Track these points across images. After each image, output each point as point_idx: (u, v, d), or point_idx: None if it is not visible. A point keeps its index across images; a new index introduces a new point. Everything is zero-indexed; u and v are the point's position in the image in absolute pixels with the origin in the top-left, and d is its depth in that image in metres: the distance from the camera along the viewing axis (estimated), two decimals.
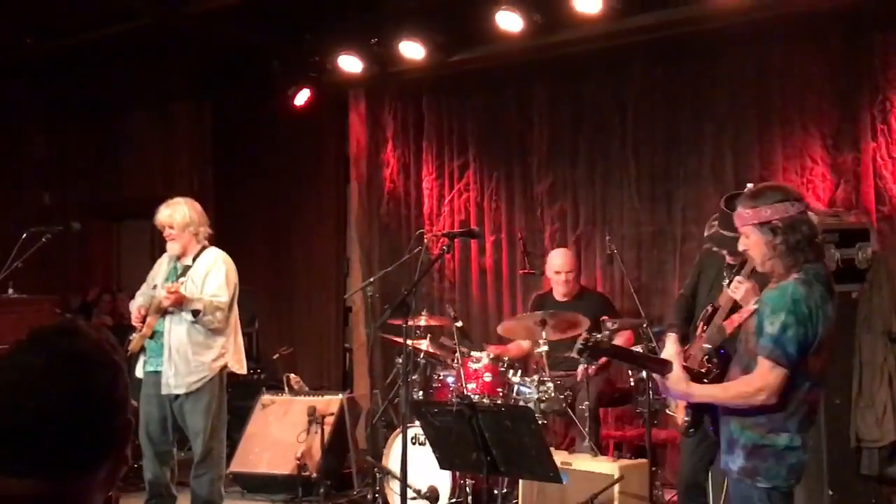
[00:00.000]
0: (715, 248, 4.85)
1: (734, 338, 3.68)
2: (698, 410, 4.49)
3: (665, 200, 7.31)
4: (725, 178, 6.88)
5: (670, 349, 4.62)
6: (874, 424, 5.58)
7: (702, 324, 4.59)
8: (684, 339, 4.88)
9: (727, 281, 4.58)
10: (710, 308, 4.57)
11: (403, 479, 4.56)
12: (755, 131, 6.88)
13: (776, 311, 3.35)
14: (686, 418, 4.49)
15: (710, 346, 3.62)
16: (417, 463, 5.58)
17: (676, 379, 3.60)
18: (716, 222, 4.73)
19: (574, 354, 3.52)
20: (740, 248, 3.58)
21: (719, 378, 3.64)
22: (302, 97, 8.30)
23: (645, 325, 5.53)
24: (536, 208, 7.86)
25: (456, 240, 7.14)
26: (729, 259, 4.75)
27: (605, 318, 6.10)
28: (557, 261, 6.77)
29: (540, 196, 7.85)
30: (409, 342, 5.07)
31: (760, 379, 3.38)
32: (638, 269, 7.29)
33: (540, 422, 5.00)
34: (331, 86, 8.28)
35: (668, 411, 5.00)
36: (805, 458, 3.49)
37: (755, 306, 3.51)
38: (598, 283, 7.48)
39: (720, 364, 3.70)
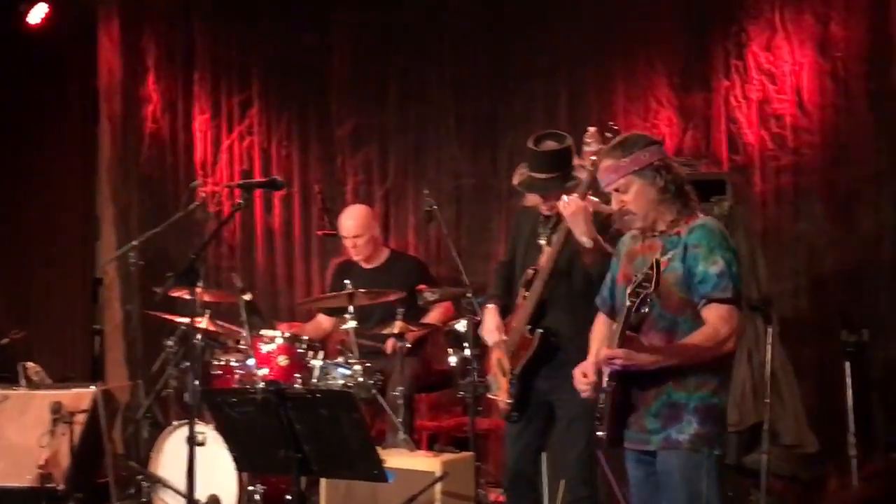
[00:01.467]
0: (528, 204, 4.97)
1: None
2: (525, 392, 4.82)
3: (489, 148, 7.34)
4: (559, 123, 6.90)
5: (490, 323, 4.95)
6: (731, 406, 5.61)
7: (523, 290, 4.82)
8: (505, 311, 5.00)
9: (544, 239, 4.81)
10: (529, 272, 4.76)
11: (190, 488, 4.43)
12: (593, 67, 7.00)
13: (714, 248, 3.57)
14: (508, 401, 4.86)
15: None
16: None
17: (639, 348, 3.61)
18: (525, 168, 4.84)
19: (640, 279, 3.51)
20: (615, 206, 3.71)
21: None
22: (37, 14, 8.01)
23: (468, 295, 5.51)
24: (336, 156, 7.80)
25: (237, 192, 6.99)
26: (543, 209, 4.85)
27: (422, 287, 6.10)
28: (345, 223, 6.73)
29: (341, 142, 7.78)
30: (185, 319, 4.82)
31: (726, 324, 3.55)
32: (458, 230, 7.30)
33: None
34: (75, 1, 8.02)
35: (488, 395, 5.11)
36: None
37: (664, 258, 3.59)
38: (410, 247, 7.48)
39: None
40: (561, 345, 4.75)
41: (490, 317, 4.98)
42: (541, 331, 4.73)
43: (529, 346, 4.75)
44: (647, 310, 3.50)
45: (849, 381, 5.73)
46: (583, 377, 3.81)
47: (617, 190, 3.69)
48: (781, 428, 5.76)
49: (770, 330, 5.59)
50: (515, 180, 4.90)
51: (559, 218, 4.67)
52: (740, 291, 3.58)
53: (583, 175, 4.67)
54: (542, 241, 4.82)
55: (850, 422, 5.69)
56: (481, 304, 5.18)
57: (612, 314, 3.96)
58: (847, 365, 5.74)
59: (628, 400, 3.71)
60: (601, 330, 4.02)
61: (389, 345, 6.19)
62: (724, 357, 3.62)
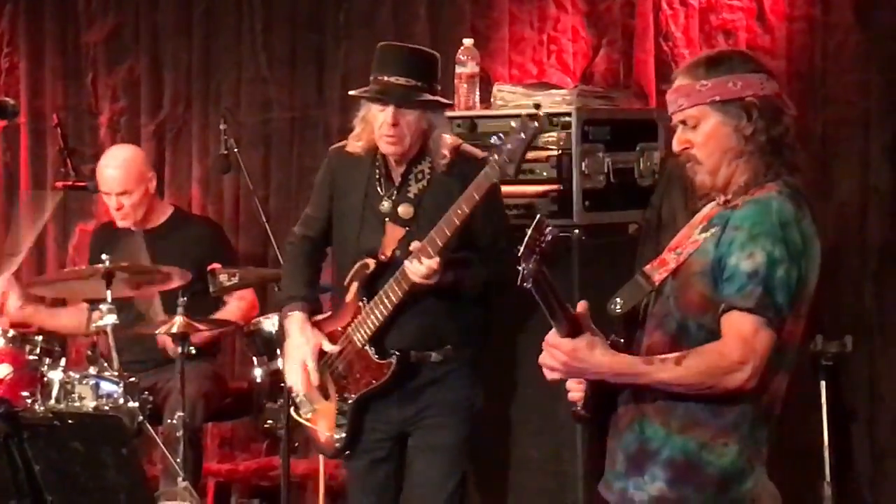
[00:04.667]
0: (350, 149, 5.01)
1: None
2: (359, 418, 4.92)
3: (314, 66, 7.31)
4: (415, 32, 6.90)
5: (297, 337, 5.02)
6: None
7: (356, 285, 4.91)
8: (315, 313, 5.13)
9: (387, 202, 4.94)
10: (369, 262, 4.87)
11: None
12: None
13: (757, 237, 3.40)
14: (339, 434, 4.96)
15: (618, 306, 3.56)
16: None
17: (593, 345, 3.43)
18: (373, 76, 4.95)
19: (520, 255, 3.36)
20: (675, 147, 3.58)
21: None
22: None
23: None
24: (86, 72, 7.79)
25: None
26: (388, 144, 4.84)
27: (215, 266, 6.08)
28: (105, 172, 6.70)
29: (92, 51, 7.78)
30: None
31: (742, 345, 3.34)
32: (267, 184, 7.32)
33: None
34: None
35: (298, 417, 5.18)
36: (756, 490, 3.58)
37: (702, 235, 3.51)
38: (195, 207, 7.49)
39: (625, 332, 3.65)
40: (422, 361, 4.90)
41: (297, 329, 5.02)
42: (397, 353, 4.83)
43: (378, 373, 4.85)
44: (528, 284, 3.34)
45: (824, 406, 5.76)
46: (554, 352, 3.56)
47: (684, 122, 3.53)
48: None
49: None
50: (356, 91, 4.99)
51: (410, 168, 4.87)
52: (778, 305, 3.37)
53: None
54: (386, 205, 4.88)
55: (826, 464, 5.74)
56: (280, 305, 5.23)
57: None
58: (822, 385, 5.77)
59: (603, 423, 3.64)
60: None
61: (166, 342, 6.16)
62: (736, 394, 3.43)
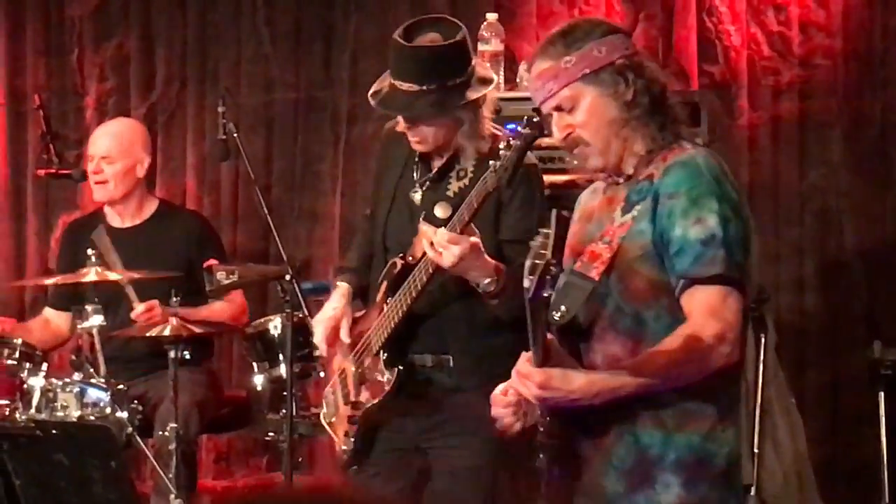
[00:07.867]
0: (401, 128, 4.91)
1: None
2: (372, 435, 4.91)
3: (321, 42, 7.34)
4: (433, 6, 6.92)
5: (332, 303, 4.98)
6: None
7: (385, 285, 4.86)
8: (363, 295, 5.09)
9: (419, 193, 4.87)
10: (398, 262, 4.80)
11: None
12: None
13: (699, 200, 3.47)
14: (346, 445, 4.96)
15: (561, 315, 3.53)
16: None
17: (566, 371, 3.46)
18: (387, 76, 4.87)
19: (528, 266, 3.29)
20: (556, 137, 3.62)
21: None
22: None
23: (287, 278, 5.52)
24: (71, 49, 7.78)
25: None
26: (415, 142, 4.80)
27: (213, 262, 5.99)
28: (96, 135, 6.76)
29: (77, 25, 7.76)
30: None
31: (715, 319, 3.39)
32: (268, 172, 7.35)
33: None
34: None
35: (323, 420, 5.19)
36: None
37: (626, 217, 3.54)
38: (190, 198, 7.54)
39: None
40: (436, 376, 4.84)
41: (335, 297, 5.00)
42: (400, 368, 4.78)
43: (381, 387, 4.82)
44: (549, 293, 3.30)
45: (883, 420, 5.74)
46: (501, 396, 3.66)
47: (559, 108, 3.57)
48: (775, 491, 5.77)
49: (763, 341, 5.62)
50: (373, 92, 4.85)
51: (447, 165, 4.77)
52: (741, 264, 3.45)
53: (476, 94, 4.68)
54: (417, 196, 4.83)
55: (885, 483, 5.72)
56: (322, 290, 5.29)
57: None
58: (881, 396, 5.74)
59: (574, 444, 3.61)
60: None
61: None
62: (721, 373, 3.48)
